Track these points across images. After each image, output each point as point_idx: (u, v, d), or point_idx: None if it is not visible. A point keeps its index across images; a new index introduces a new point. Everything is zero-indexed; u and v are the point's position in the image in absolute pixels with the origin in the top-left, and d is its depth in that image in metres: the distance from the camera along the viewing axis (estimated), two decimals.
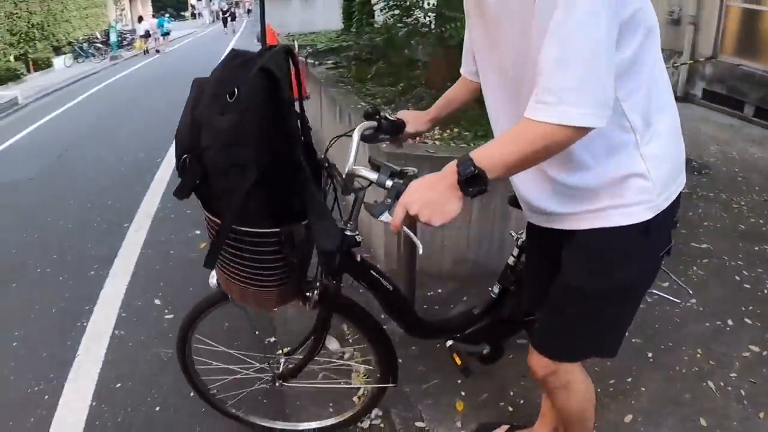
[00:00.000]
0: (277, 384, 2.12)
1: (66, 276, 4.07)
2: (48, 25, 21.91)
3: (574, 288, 1.49)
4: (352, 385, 2.23)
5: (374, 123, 1.76)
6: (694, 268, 3.33)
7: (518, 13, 1.21)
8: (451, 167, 1.19)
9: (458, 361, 2.15)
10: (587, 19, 1.08)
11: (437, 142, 3.47)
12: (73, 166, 7.29)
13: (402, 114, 1.84)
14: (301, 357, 2.05)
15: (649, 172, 1.34)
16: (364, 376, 2.16)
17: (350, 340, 2.68)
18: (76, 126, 10.26)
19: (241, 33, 33.61)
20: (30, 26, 20.56)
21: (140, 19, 28.34)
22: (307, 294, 1.78)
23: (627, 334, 2.66)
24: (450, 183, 1.19)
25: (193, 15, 61.48)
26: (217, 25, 42.19)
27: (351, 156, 1.64)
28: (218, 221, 1.50)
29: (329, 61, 7.74)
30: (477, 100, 3.79)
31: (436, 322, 2.30)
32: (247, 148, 1.37)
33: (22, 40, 20.05)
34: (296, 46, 10.79)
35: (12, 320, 3.50)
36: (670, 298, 2.66)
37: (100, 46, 24.95)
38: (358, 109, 4.14)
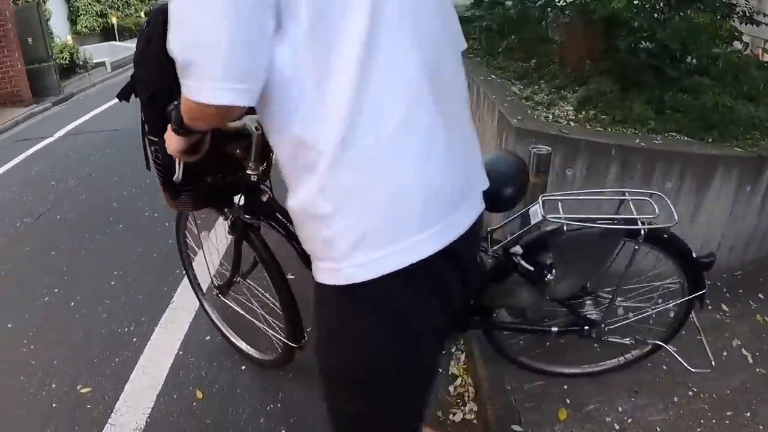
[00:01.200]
0: (214, 292, 2.49)
1: (172, 223, 4.07)
2: None
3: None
4: (262, 328, 2.40)
5: None
6: None
7: None
8: None
9: None
10: None
11: (572, 123, 3.14)
12: None
13: None
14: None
15: (331, 218, 0.92)
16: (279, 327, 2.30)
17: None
18: None
19: None
20: None
21: None
22: (222, 217, 2.12)
23: (751, 361, 2.43)
24: None
25: None
26: None
27: None
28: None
29: None
30: (616, 81, 3.44)
31: None
32: (147, 69, 1.64)
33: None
34: None
35: (113, 260, 3.56)
36: (682, 361, 2.16)
37: None
38: (488, 81, 3.94)
